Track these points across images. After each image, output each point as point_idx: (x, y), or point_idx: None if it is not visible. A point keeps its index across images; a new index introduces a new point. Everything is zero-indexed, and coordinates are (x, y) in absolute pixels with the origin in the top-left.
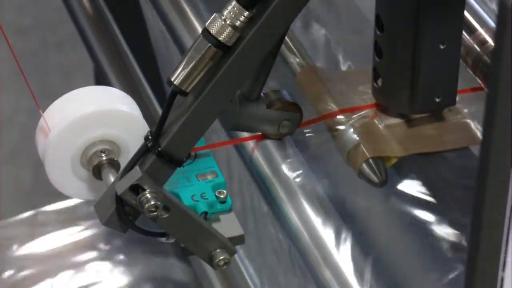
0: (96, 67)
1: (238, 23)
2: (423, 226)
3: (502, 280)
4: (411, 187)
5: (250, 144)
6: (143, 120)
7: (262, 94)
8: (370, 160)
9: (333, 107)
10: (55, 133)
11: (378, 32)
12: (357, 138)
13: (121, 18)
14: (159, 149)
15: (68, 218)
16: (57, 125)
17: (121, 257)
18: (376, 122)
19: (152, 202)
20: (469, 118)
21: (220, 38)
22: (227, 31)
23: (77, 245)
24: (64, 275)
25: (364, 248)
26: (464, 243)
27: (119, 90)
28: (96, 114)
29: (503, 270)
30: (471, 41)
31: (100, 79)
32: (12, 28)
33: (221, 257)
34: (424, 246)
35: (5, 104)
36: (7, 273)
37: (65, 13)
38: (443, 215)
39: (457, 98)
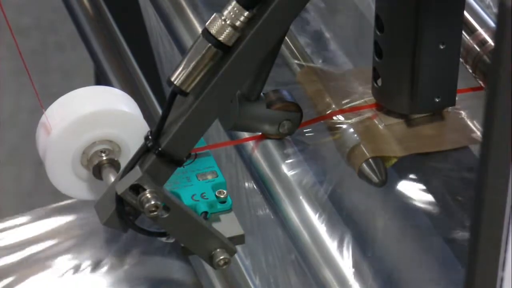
0: (96, 67)
1: (238, 23)
2: (423, 225)
3: (502, 280)
4: (411, 187)
5: (250, 144)
6: (143, 120)
7: (262, 94)
8: (370, 160)
9: (333, 107)
10: (55, 133)
11: (378, 32)
12: (357, 138)
13: (121, 18)
14: (159, 149)
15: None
16: (57, 125)
17: (121, 256)
18: (376, 122)
19: (152, 202)
20: (469, 118)
21: (220, 38)
22: (227, 31)
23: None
24: (62, 272)
25: (364, 248)
26: (464, 243)
27: (119, 90)
28: (96, 114)
29: (503, 270)
30: (471, 41)
31: (100, 79)
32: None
33: (221, 257)
34: (424, 246)
35: (6, 103)
36: None
37: (65, 13)
38: (443, 214)
39: (457, 98)
